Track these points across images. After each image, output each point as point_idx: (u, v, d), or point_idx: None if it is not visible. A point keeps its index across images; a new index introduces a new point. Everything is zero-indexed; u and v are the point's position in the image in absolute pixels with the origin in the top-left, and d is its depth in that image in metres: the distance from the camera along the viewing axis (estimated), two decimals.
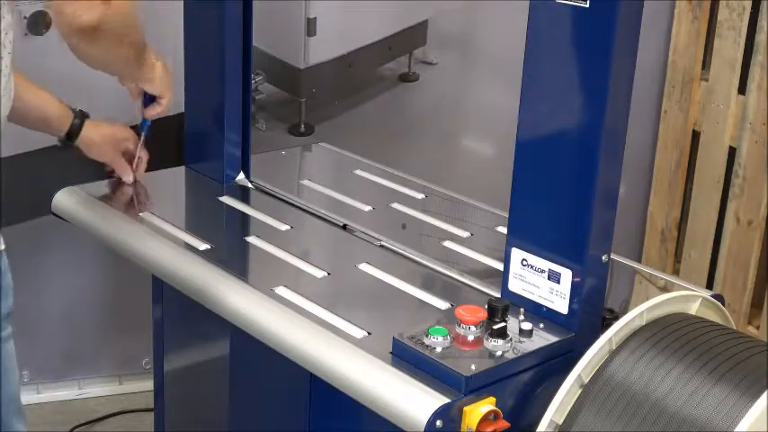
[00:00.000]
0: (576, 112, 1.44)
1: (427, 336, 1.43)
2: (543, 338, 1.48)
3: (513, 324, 1.47)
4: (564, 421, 1.37)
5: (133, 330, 2.75)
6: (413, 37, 2.90)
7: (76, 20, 1.47)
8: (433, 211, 2.02)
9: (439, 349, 1.41)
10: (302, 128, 2.85)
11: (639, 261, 3.11)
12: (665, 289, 1.77)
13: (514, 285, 1.56)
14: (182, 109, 2.15)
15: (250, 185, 2.10)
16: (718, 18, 2.90)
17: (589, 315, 1.52)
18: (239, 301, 1.64)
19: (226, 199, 2.04)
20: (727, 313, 1.57)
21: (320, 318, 1.56)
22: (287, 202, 2.03)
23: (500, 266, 1.61)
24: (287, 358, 1.53)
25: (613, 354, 1.40)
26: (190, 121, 2.14)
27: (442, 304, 1.63)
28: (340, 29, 2.82)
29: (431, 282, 1.73)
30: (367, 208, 2.02)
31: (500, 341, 1.43)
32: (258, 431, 1.86)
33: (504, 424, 1.37)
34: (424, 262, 1.78)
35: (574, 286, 1.49)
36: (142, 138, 2.04)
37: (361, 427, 1.60)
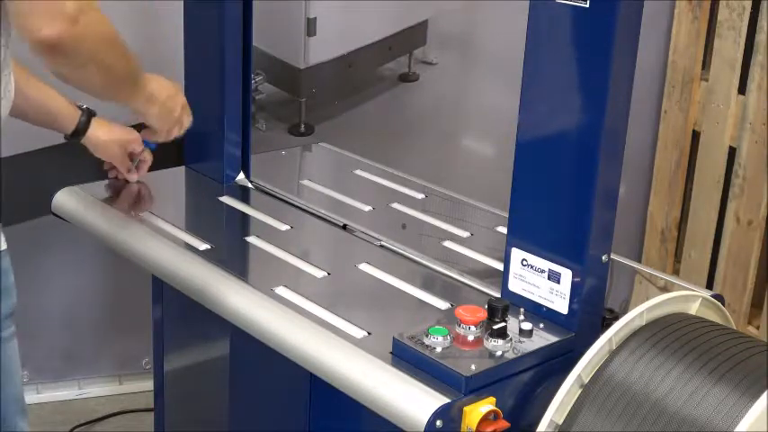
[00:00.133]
0: (575, 112, 1.44)
1: (427, 336, 1.43)
2: (543, 338, 1.48)
3: (513, 324, 1.47)
4: (564, 421, 1.37)
5: (133, 330, 2.75)
6: (413, 37, 2.90)
7: (35, 33, 1.35)
8: (433, 211, 2.02)
9: (439, 349, 1.41)
10: (302, 128, 2.85)
11: (639, 261, 3.11)
12: (665, 289, 1.77)
13: (514, 285, 1.56)
14: None
15: (250, 185, 2.10)
16: (718, 18, 2.90)
17: (589, 315, 1.52)
18: (239, 301, 1.64)
19: (226, 199, 2.04)
20: (727, 313, 1.57)
21: (320, 318, 1.56)
22: (287, 202, 2.03)
23: (500, 266, 1.61)
24: (287, 358, 1.53)
25: (613, 354, 1.40)
26: None
27: (442, 304, 1.63)
28: (340, 29, 2.82)
29: (431, 282, 1.73)
30: (367, 208, 2.02)
31: (500, 341, 1.43)
32: (258, 431, 1.86)
33: (504, 424, 1.37)
34: (424, 262, 1.78)
35: (574, 286, 1.49)
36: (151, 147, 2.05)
37: (361, 427, 1.60)
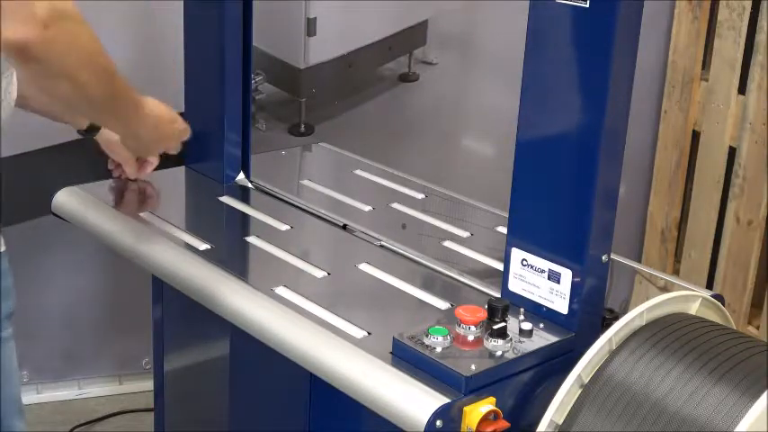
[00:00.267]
0: (575, 112, 1.44)
1: (427, 336, 1.43)
2: (543, 338, 1.48)
3: (513, 324, 1.47)
4: (564, 421, 1.37)
5: (133, 330, 2.76)
6: (413, 37, 2.90)
7: (3, 33, 1.26)
8: (433, 211, 2.02)
9: (439, 349, 1.41)
10: (302, 128, 2.85)
11: (639, 261, 3.11)
12: (665, 289, 1.77)
13: (514, 285, 1.56)
14: (182, 109, 2.15)
15: (250, 185, 2.10)
16: (718, 18, 2.90)
17: (589, 315, 1.52)
18: (239, 301, 1.64)
19: (226, 199, 2.04)
20: (727, 313, 1.57)
21: (320, 318, 1.56)
22: (287, 202, 2.03)
23: (500, 266, 1.61)
24: (287, 358, 1.53)
25: (613, 354, 1.40)
26: (190, 121, 2.13)
27: (442, 304, 1.63)
28: (340, 29, 2.82)
29: (431, 282, 1.73)
30: (367, 208, 2.02)
31: (500, 341, 1.43)
32: (258, 431, 1.86)
33: (504, 424, 1.37)
34: (424, 262, 1.78)
35: (574, 286, 1.49)
36: None
37: (361, 427, 1.60)
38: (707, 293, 1.57)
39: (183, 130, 1.87)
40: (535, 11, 1.45)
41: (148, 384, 2.49)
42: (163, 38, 2.56)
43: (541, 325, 1.51)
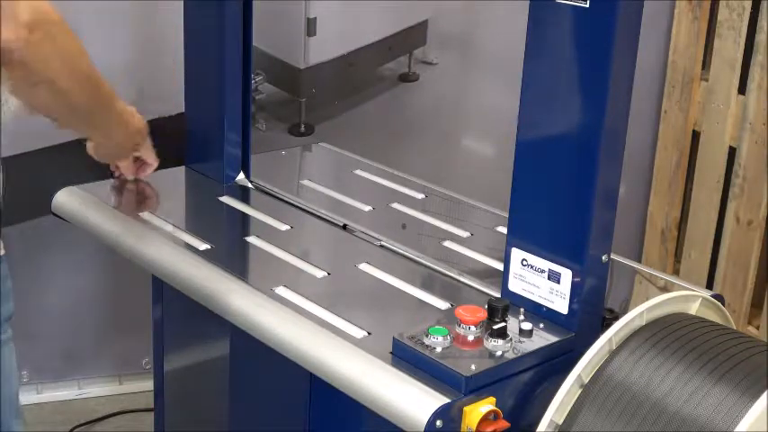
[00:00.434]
0: (576, 112, 1.44)
1: (427, 336, 1.43)
2: (543, 338, 1.48)
3: (513, 324, 1.47)
4: (564, 421, 1.37)
5: (133, 330, 2.76)
6: (413, 37, 2.90)
7: None
8: (433, 211, 2.02)
9: (439, 349, 1.41)
10: (302, 128, 2.85)
11: (639, 261, 3.11)
12: (665, 289, 1.77)
13: (514, 285, 1.56)
14: (182, 109, 2.15)
15: (250, 185, 2.10)
16: (718, 18, 2.90)
17: (589, 315, 1.52)
18: (239, 301, 1.64)
19: (226, 199, 2.04)
20: (727, 313, 1.57)
21: (320, 318, 1.56)
22: (287, 202, 2.03)
23: (500, 266, 1.61)
24: (287, 358, 1.53)
25: (613, 354, 1.40)
26: (190, 121, 2.14)
27: (442, 304, 1.63)
28: (340, 29, 2.82)
29: (431, 282, 1.73)
30: (367, 208, 2.02)
31: (500, 341, 1.43)
32: (258, 431, 1.86)
33: (504, 424, 1.37)
34: (424, 262, 1.78)
35: (574, 286, 1.49)
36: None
37: (361, 427, 1.60)
38: (707, 293, 1.57)
39: (142, 121, 1.89)
40: (535, 11, 1.45)
41: (148, 384, 2.49)
42: (163, 38, 2.56)
43: (541, 325, 1.51)
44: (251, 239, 1.86)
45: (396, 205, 2.04)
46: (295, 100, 2.84)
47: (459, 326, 1.44)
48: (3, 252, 1.52)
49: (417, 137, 2.97)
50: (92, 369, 2.89)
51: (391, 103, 2.96)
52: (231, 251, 1.84)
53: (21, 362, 1.61)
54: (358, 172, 2.22)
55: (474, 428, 1.34)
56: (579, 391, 1.39)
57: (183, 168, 2.16)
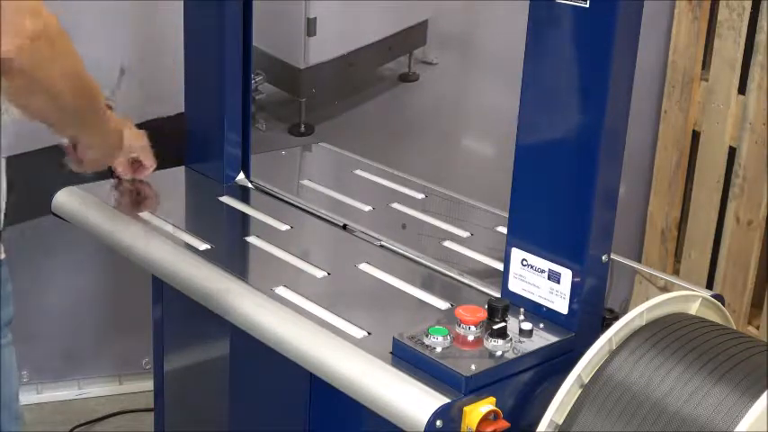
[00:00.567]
0: (575, 113, 1.44)
1: (427, 336, 1.43)
2: (543, 338, 1.48)
3: (513, 324, 1.47)
4: (564, 421, 1.37)
5: (133, 330, 2.76)
6: (413, 37, 2.90)
7: None
8: (433, 211, 2.02)
9: (439, 349, 1.41)
10: (302, 128, 2.85)
11: (639, 261, 3.11)
12: (665, 289, 1.77)
13: (514, 285, 1.56)
14: (182, 109, 2.15)
15: (250, 185, 2.10)
16: (718, 18, 2.90)
17: (589, 315, 1.52)
18: (239, 301, 1.64)
19: (226, 199, 2.04)
20: (727, 313, 1.57)
21: (320, 318, 1.56)
22: (287, 202, 2.03)
23: (500, 266, 1.61)
24: (287, 358, 1.53)
25: (613, 354, 1.40)
26: (190, 121, 2.14)
27: (442, 304, 1.63)
28: (340, 29, 2.82)
29: (431, 282, 1.73)
30: (367, 208, 2.02)
31: (500, 341, 1.43)
32: (258, 431, 1.86)
33: (504, 424, 1.37)
34: (424, 262, 1.78)
35: (574, 286, 1.49)
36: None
37: (361, 427, 1.60)
38: (707, 293, 1.57)
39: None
40: (535, 11, 1.45)
41: (148, 384, 2.49)
42: (163, 38, 2.56)
43: (541, 325, 1.51)
44: (251, 239, 1.86)
45: (396, 205, 2.04)
46: (295, 100, 2.84)
47: (459, 326, 1.44)
48: (3, 256, 1.52)
49: (417, 137, 2.97)
50: (92, 369, 2.89)
51: (391, 103, 2.96)
52: (231, 251, 1.84)
53: (21, 362, 1.61)
54: (358, 172, 2.22)
55: (474, 428, 1.34)
56: (579, 391, 1.39)
57: (182, 168, 2.16)
